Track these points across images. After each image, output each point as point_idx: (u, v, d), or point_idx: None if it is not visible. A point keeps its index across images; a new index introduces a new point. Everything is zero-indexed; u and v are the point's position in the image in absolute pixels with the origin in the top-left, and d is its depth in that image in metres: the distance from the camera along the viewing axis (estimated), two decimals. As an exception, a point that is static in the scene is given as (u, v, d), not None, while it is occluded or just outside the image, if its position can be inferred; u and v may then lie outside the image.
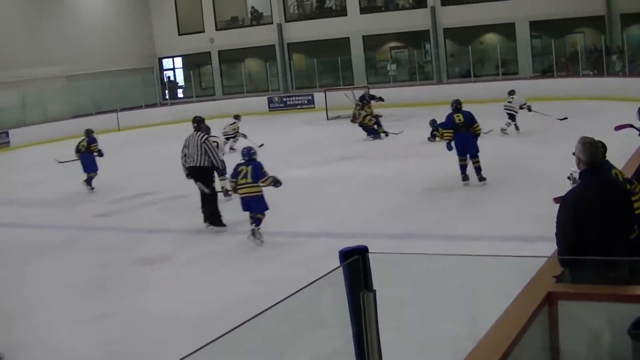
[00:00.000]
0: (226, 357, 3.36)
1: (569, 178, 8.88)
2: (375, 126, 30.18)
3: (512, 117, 26.88)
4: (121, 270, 14.28)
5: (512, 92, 27.54)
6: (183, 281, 13.31)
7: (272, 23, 49.86)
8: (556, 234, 6.82)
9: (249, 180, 15.06)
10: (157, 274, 13.97)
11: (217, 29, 51.40)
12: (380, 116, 31.76)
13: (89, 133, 23.34)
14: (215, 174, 18.01)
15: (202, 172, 17.01)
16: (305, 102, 45.74)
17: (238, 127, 29.61)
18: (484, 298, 7.79)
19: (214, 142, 18.26)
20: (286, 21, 49.84)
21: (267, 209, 15.17)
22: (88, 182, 22.77)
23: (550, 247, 6.74)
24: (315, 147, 28.86)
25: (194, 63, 53.05)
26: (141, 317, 11.51)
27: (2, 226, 19.11)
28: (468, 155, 18.97)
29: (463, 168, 19.00)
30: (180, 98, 52.89)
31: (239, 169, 15.24)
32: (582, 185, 7.04)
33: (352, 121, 36.03)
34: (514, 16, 43.19)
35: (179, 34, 52.27)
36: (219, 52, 51.45)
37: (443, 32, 45.73)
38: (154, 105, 49.19)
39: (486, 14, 43.60)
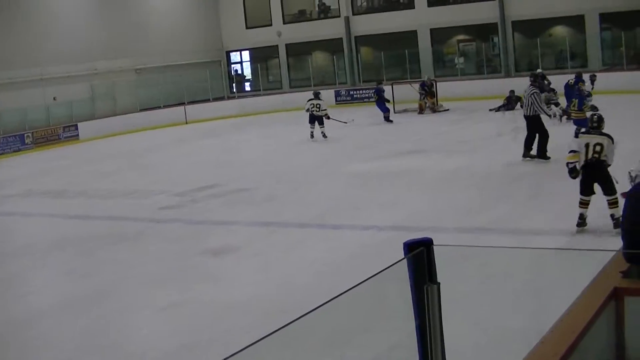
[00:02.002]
0: (292, 346, 3.39)
1: (630, 176, 8.75)
2: None
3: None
4: (190, 261, 14.45)
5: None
6: (250, 272, 13.42)
7: (339, 16, 49.82)
8: (621, 229, 6.74)
9: None
10: (224, 265, 14.11)
11: (284, 23, 51.50)
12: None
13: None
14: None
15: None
16: (373, 95, 45.63)
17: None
18: (550, 293, 7.73)
19: None
20: (353, 14, 49.79)
21: None
22: None
23: (617, 241, 6.67)
24: (382, 141, 28.82)
25: (261, 56, 53.20)
26: (210, 306, 11.65)
27: (74, 218, 19.43)
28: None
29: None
30: (248, 91, 53.12)
31: None
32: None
33: (419, 113, 36.05)
34: (583, 8, 42.62)
35: (247, 27, 52.47)
36: (287, 45, 51.55)
37: (511, 24, 45.31)
38: (221, 98, 49.47)
39: (555, 6, 43.07)
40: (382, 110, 35.57)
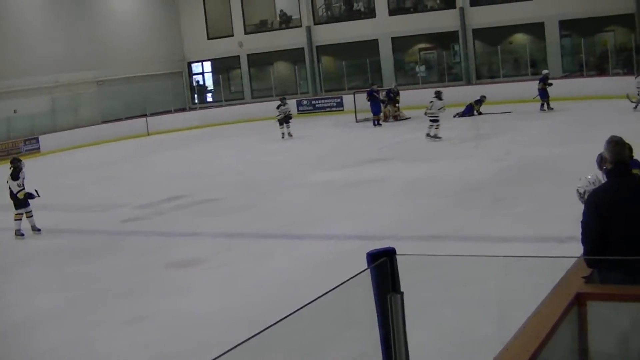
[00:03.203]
0: (259, 357, 3.40)
1: (578, 193, 8.78)
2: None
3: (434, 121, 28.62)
4: (155, 273, 14.40)
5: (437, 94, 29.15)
6: (216, 284, 13.38)
7: (301, 26, 49.90)
8: (582, 234, 6.80)
9: None
10: (190, 277, 14.06)
11: (246, 33, 51.49)
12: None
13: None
14: None
15: None
16: (335, 104, 45.80)
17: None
18: (514, 299, 7.78)
19: None
20: (315, 24, 49.89)
21: None
22: None
23: (580, 248, 6.74)
24: (345, 150, 28.91)
25: (223, 67, 53.15)
26: (177, 319, 11.61)
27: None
28: None
29: None
30: (210, 102, 53.03)
31: None
32: (606, 185, 7.03)
33: (383, 121, 36.16)
34: (543, 16, 42.98)
35: (208, 38, 52.40)
36: (248, 55, 51.52)
37: (472, 32, 45.58)
38: (183, 109, 49.42)
39: (515, 14, 43.41)
40: (373, 111, 36.33)
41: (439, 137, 28.15)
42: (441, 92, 29.50)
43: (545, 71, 35.96)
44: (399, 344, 3.78)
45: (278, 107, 34.86)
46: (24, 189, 18.93)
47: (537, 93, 34.33)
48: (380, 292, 3.75)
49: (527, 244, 13.62)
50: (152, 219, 19.55)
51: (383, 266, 3.72)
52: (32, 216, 19.05)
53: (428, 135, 28.28)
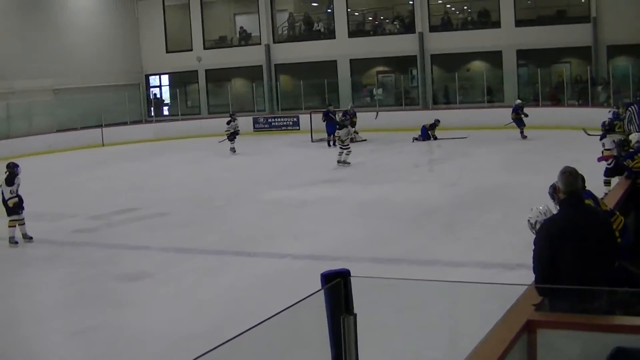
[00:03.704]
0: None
1: (530, 223, 8.84)
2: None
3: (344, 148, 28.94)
4: (104, 285, 14.26)
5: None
6: (164, 299, 13.27)
7: (260, 44, 49.84)
8: (533, 262, 6.84)
9: None
10: (138, 290, 13.94)
11: (205, 48, 51.33)
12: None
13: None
14: None
15: None
16: (291, 123, 45.79)
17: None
18: (464, 324, 7.80)
19: None
20: (274, 42, 49.88)
21: None
22: None
23: (529, 274, 6.77)
24: (300, 169, 28.91)
25: (180, 81, 52.91)
26: (123, 332, 11.51)
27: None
28: None
29: None
30: (166, 116, 52.71)
31: None
32: (559, 214, 7.08)
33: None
34: (501, 44, 43.41)
35: (167, 52, 52.15)
36: (206, 71, 51.35)
37: (430, 58, 45.86)
38: (139, 122, 49.06)
39: (474, 41, 43.82)
40: (328, 132, 36.34)
41: (348, 163, 28.35)
42: (347, 119, 30.47)
43: (518, 101, 36.00)
44: (351, 365, 3.77)
45: (228, 123, 35.40)
46: (15, 197, 18.43)
47: (510, 121, 34.41)
48: (333, 313, 3.74)
49: (477, 269, 13.69)
50: (103, 231, 19.39)
51: (337, 287, 3.71)
52: (24, 224, 18.59)
53: (338, 161, 28.55)
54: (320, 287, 3.74)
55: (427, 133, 35.90)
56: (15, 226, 18.29)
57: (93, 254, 17.03)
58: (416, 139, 35.52)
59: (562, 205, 6.96)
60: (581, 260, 6.49)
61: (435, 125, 36.11)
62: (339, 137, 28.84)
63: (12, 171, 18.55)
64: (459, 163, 27.57)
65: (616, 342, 5.46)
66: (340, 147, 28.83)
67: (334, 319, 3.74)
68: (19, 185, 18.58)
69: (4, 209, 18.50)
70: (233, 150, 34.80)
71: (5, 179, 18.47)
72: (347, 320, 3.75)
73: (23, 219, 18.48)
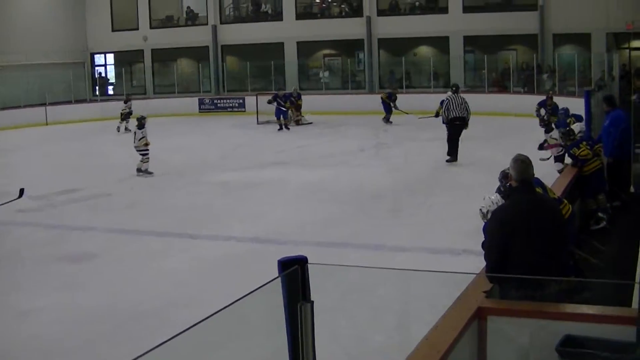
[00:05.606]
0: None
1: (481, 212, 8.89)
2: None
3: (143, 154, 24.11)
4: (47, 267, 14.05)
5: None
6: (108, 280, 13.14)
7: (207, 24, 49.61)
8: (484, 249, 6.87)
9: None
10: (82, 272, 13.77)
11: (151, 27, 50.94)
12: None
13: None
14: None
15: None
16: (237, 105, 45.65)
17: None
18: (414, 310, 7.80)
19: None
20: (221, 23, 49.65)
21: None
22: None
23: (476, 260, 6.79)
24: (245, 152, 28.82)
25: (126, 60, 52.43)
26: (67, 313, 11.36)
27: None
28: None
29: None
30: (111, 95, 52.20)
31: None
32: (511, 202, 7.12)
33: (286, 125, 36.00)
34: (448, 30, 43.66)
35: (113, 30, 51.68)
36: (152, 50, 50.97)
37: (377, 42, 45.95)
38: (83, 100, 48.54)
39: (421, 26, 44.00)
40: (277, 115, 36.29)
41: (150, 173, 23.72)
42: (145, 118, 24.40)
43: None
44: (307, 352, 3.73)
45: (125, 102, 37.53)
46: None
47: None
48: (290, 300, 3.70)
49: (422, 254, 13.72)
50: (46, 211, 19.16)
51: (294, 274, 3.67)
52: None
53: (138, 170, 23.96)
54: (277, 274, 3.69)
55: (389, 107, 36.03)
56: None
57: (36, 234, 16.81)
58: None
59: (514, 192, 6.99)
60: (532, 248, 6.53)
61: (392, 95, 36.36)
62: (136, 146, 23.97)
63: None
64: (404, 147, 27.66)
65: (566, 329, 5.49)
66: (141, 154, 23.99)
67: (291, 306, 3.70)
68: None
69: None
70: (126, 129, 35.93)
71: None
72: (304, 307, 3.71)
73: None
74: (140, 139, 23.52)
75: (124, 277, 13.27)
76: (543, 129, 22.85)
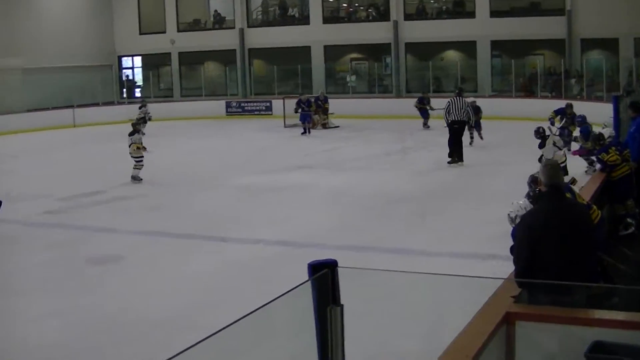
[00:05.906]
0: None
1: (509, 217, 8.84)
2: None
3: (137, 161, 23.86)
4: (71, 269, 14.09)
5: None
6: (133, 282, 13.15)
7: (234, 28, 49.71)
8: (513, 254, 6.83)
9: None
10: (108, 273, 13.80)
11: (178, 31, 51.11)
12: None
13: None
14: None
15: None
16: (263, 108, 45.73)
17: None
18: (442, 315, 7.78)
19: None
20: (248, 26, 49.74)
21: None
22: None
23: (502, 265, 6.76)
24: (272, 155, 28.85)
25: (153, 63, 52.65)
26: (92, 316, 11.36)
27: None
28: None
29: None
30: (138, 97, 52.34)
31: None
32: (540, 207, 7.07)
33: (311, 128, 36.07)
34: (475, 34, 43.56)
35: (140, 33, 51.90)
36: (179, 53, 51.14)
37: (404, 46, 45.90)
38: (111, 103, 48.74)
39: (448, 30, 43.92)
40: (302, 119, 36.53)
41: (139, 179, 23.29)
42: (139, 123, 25.16)
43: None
44: (336, 356, 3.72)
45: (140, 108, 37.12)
46: None
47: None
48: (319, 304, 3.69)
49: (448, 259, 13.68)
50: (72, 212, 19.21)
51: (324, 278, 3.66)
52: None
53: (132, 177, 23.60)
54: (306, 277, 3.68)
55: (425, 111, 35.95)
56: None
57: (62, 235, 16.85)
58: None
59: (543, 197, 6.94)
60: (562, 253, 6.49)
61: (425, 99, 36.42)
62: (130, 153, 23.67)
63: None
64: (431, 152, 27.57)
65: (595, 335, 5.45)
66: (135, 161, 23.65)
67: (321, 310, 3.69)
68: None
69: None
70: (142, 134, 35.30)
71: None
72: (333, 311, 3.70)
73: None
74: (130, 145, 23.42)
75: (150, 280, 13.27)
76: (538, 141, 21.32)
